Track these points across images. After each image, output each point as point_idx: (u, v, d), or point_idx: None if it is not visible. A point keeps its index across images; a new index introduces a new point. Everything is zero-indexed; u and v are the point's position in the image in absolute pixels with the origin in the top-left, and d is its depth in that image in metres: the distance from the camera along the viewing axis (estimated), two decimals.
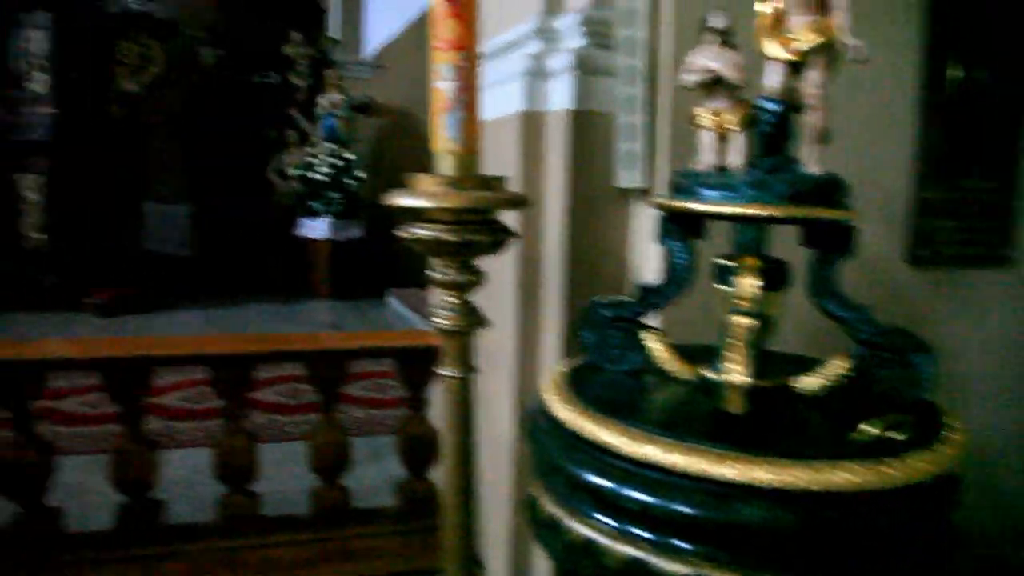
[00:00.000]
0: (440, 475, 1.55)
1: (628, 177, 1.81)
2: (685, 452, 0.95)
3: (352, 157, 7.59)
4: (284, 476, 2.91)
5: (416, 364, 2.42)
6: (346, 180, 7.44)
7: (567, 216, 1.85)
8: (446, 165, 1.36)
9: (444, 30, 1.36)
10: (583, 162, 1.84)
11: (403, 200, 1.33)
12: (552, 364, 1.91)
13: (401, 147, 8.49)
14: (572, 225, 1.85)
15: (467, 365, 1.48)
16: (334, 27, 8.34)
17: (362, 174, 7.61)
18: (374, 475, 3.12)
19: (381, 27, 7.56)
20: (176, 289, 7.30)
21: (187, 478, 3.05)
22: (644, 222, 1.83)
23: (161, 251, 7.91)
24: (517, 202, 1.43)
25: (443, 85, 1.37)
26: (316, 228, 7.57)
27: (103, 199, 6.93)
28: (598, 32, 1.87)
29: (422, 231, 1.36)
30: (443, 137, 1.36)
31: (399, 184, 1.43)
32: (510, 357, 2.02)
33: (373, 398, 4.25)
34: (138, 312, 6.63)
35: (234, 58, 8.47)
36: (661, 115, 1.75)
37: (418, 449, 2.47)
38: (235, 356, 2.21)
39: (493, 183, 1.40)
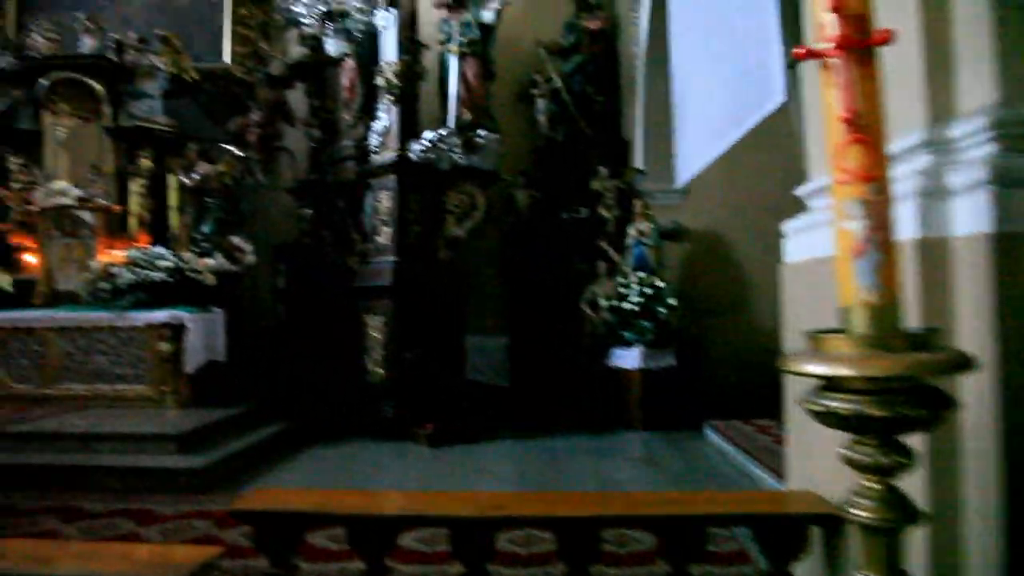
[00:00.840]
0: None
1: None
2: None
3: (662, 284, 7.50)
4: None
5: (778, 535, 2.07)
6: (657, 308, 7.34)
7: (999, 371, 1.46)
8: (861, 320, 1.10)
9: (847, 159, 1.13)
10: (1016, 298, 1.46)
11: (814, 367, 1.08)
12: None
13: (710, 270, 8.27)
14: (1006, 385, 1.45)
15: (895, 571, 1.15)
16: (639, 158, 8.50)
17: (673, 301, 7.47)
18: None
19: (687, 153, 7.57)
20: (495, 419, 7.56)
21: None
22: None
23: (481, 382, 8.33)
24: (964, 364, 1.11)
25: (852, 225, 1.12)
26: (628, 358, 7.50)
27: (432, 335, 7.49)
28: (1016, 134, 1.52)
29: (838, 403, 1.09)
30: (855, 287, 1.11)
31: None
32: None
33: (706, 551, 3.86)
34: (462, 442, 6.93)
35: (546, 198, 8.99)
36: None
37: None
38: (583, 520, 2.06)
39: (927, 339, 1.11)
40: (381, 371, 7.48)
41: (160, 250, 7.37)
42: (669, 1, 5.45)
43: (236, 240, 7.91)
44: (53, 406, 7.05)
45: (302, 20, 8.58)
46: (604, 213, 8.26)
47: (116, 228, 7.94)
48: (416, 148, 7.47)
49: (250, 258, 7.95)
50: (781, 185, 4.60)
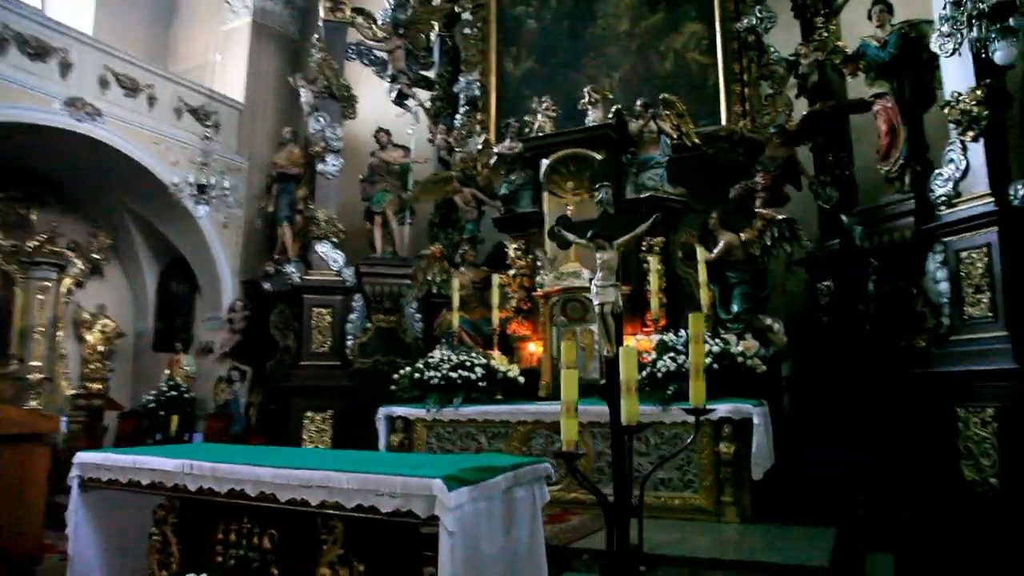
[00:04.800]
0: None
1: None
2: None
3: None
4: None
5: None
6: None
7: None
8: None
9: None
10: None
11: None
12: None
13: None
14: None
15: None
16: None
17: None
18: None
19: None
20: None
21: None
22: None
23: None
24: None
25: None
26: None
27: None
28: None
29: None
30: None
31: None
32: None
33: None
34: None
35: None
36: None
37: None
38: None
39: None
40: (994, 480, 5.64)
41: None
42: None
43: (767, 319, 6.68)
44: (585, 514, 6.15)
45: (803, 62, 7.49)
46: None
47: (628, 310, 7.10)
48: (1022, 191, 5.78)
49: (783, 339, 6.66)
50: None
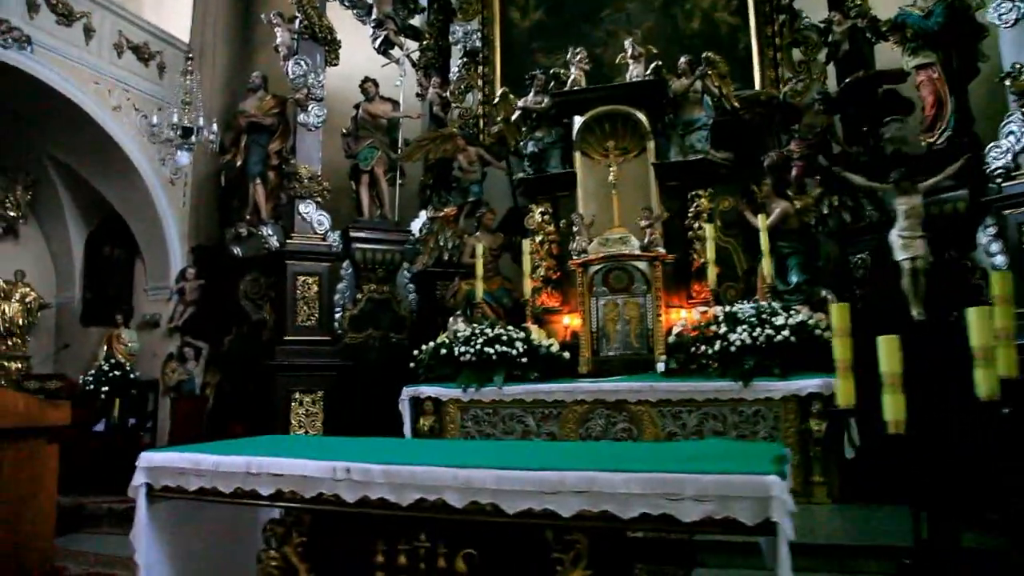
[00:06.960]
0: None
1: None
2: None
3: None
4: None
5: None
6: None
7: None
8: None
9: None
10: None
11: None
12: None
13: None
14: None
15: None
16: None
17: None
18: None
19: None
20: None
21: None
22: None
23: None
24: None
25: None
26: None
27: None
28: None
29: None
30: None
31: None
32: None
33: None
34: None
35: None
36: None
37: None
38: None
39: None
40: None
41: (771, 305, 6.00)
42: None
43: (822, 290, 6.47)
44: None
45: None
46: None
47: (672, 280, 6.70)
48: None
49: None
50: None
